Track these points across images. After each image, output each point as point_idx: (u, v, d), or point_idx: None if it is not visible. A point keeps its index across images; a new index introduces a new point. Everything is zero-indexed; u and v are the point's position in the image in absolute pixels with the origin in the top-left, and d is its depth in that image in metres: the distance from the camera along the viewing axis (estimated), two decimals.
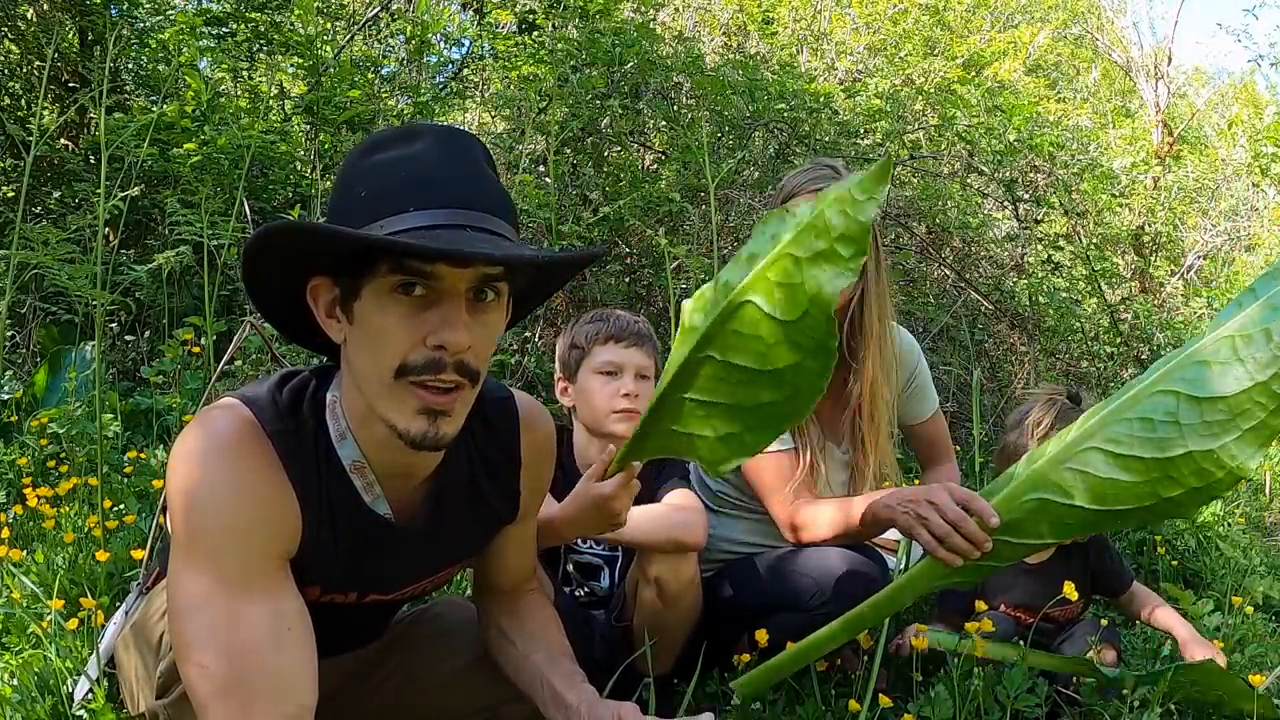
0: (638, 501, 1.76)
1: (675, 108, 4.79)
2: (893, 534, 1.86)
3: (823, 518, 1.76)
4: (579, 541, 1.91)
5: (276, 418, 1.05)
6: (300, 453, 1.06)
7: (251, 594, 0.98)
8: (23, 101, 4.23)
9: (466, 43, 5.04)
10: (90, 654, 1.61)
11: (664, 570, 1.68)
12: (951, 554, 1.38)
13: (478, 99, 5.39)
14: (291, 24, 4.17)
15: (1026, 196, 5.12)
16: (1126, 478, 1.22)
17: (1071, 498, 1.26)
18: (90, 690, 1.44)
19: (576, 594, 1.93)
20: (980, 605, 1.78)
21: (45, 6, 4.20)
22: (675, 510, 1.73)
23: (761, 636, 1.67)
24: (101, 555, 1.93)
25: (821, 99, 4.66)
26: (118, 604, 1.82)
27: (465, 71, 5.17)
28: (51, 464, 2.60)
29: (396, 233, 0.95)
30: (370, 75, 4.48)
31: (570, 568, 1.94)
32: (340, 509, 1.11)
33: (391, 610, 1.39)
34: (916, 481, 2.42)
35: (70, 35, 4.25)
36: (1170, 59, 8.78)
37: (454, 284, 0.99)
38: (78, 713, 1.46)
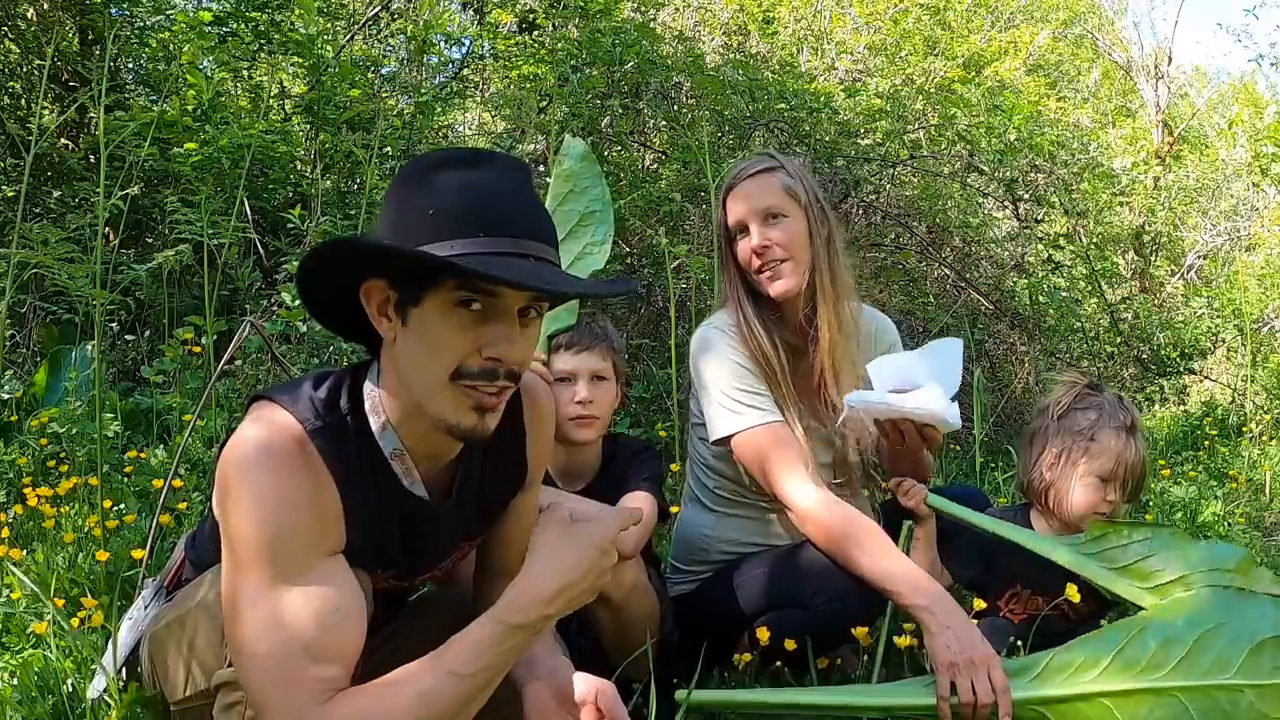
0: (609, 498, 1.78)
1: (675, 107, 4.80)
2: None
3: (874, 550, 1.67)
4: None
5: (316, 416, 1.14)
6: (342, 448, 1.15)
7: (297, 587, 1.07)
8: (23, 101, 4.23)
9: (467, 43, 5.04)
10: (95, 652, 1.62)
11: None
12: (948, 714, 1.48)
13: (478, 99, 5.39)
14: (292, 24, 4.17)
15: (1027, 196, 5.13)
16: None
17: None
18: (106, 687, 1.44)
19: None
20: (979, 604, 1.78)
21: (45, 6, 4.20)
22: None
23: (763, 634, 1.67)
24: (101, 555, 1.94)
25: (822, 99, 4.66)
26: (119, 603, 1.82)
27: (465, 71, 5.17)
28: (51, 464, 2.60)
29: (469, 255, 1.05)
30: (370, 75, 4.48)
31: None
32: (385, 494, 1.20)
33: (414, 590, 1.47)
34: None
35: (70, 35, 4.25)
36: (1170, 59, 8.78)
37: (509, 303, 1.11)
38: (94, 705, 1.46)
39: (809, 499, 1.74)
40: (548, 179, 2.37)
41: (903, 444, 1.78)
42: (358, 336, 1.25)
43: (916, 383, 1.76)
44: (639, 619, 1.74)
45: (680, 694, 1.59)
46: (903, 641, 1.66)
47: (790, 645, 1.67)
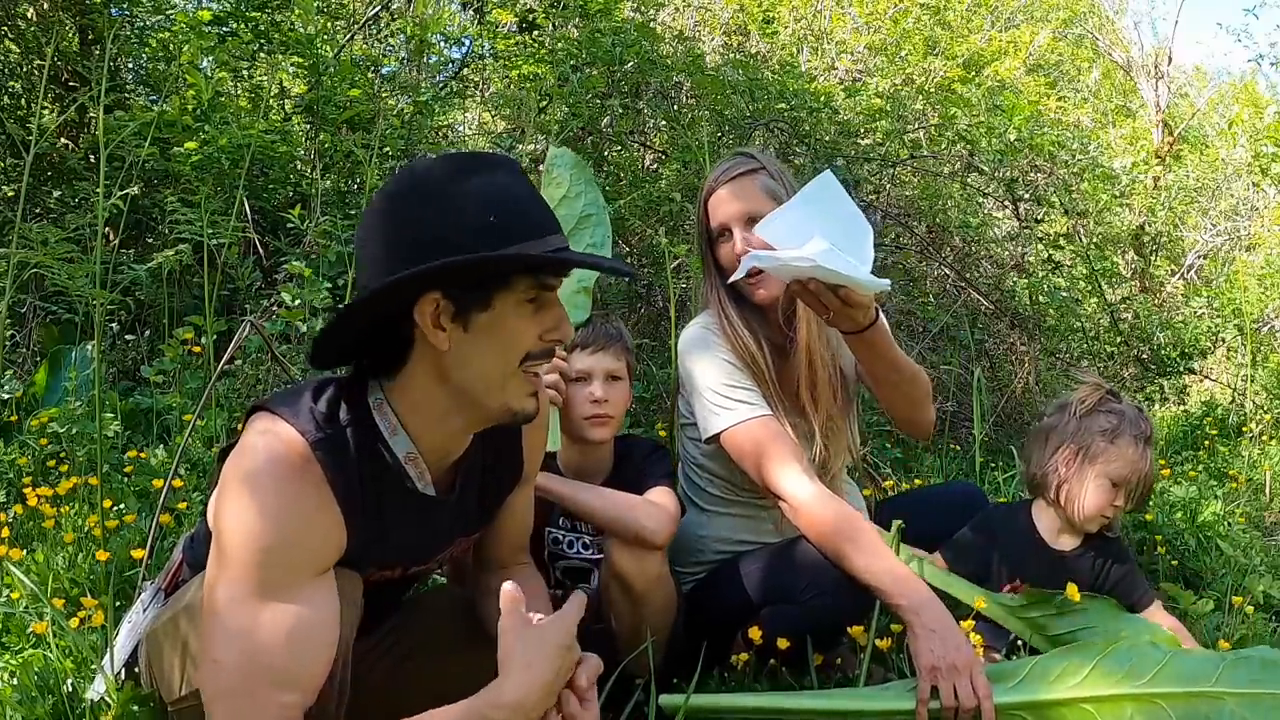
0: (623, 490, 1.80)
1: (675, 107, 4.79)
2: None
3: (867, 548, 1.66)
4: (567, 546, 1.95)
5: (318, 428, 1.16)
6: (343, 458, 1.17)
7: (277, 604, 1.09)
8: (23, 101, 4.22)
9: (466, 42, 5.04)
10: (95, 652, 1.62)
11: (628, 566, 1.70)
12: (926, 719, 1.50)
13: (478, 99, 5.39)
14: (291, 23, 4.16)
15: (1027, 196, 5.12)
16: None
17: None
18: (105, 688, 1.44)
19: None
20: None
21: (45, 6, 4.20)
22: (646, 503, 1.76)
23: (754, 633, 1.67)
24: (101, 555, 1.94)
25: (822, 98, 4.65)
26: (118, 603, 1.82)
27: (465, 71, 5.17)
28: (51, 464, 2.60)
29: (548, 254, 1.15)
30: (370, 75, 4.48)
31: (559, 574, 1.96)
32: (389, 496, 1.23)
33: (411, 584, 1.49)
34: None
35: (70, 35, 4.25)
36: (1170, 59, 8.78)
37: (558, 293, 1.23)
38: (94, 705, 1.46)
39: (804, 493, 1.74)
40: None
41: (827, 313, 1.61)
42: (351, 360, 1.27)
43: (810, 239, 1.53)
44: (657, 610, 1.76)
45: (664, 699, 1.59)
46: (883, 644, 1.66)
47: (783, 644, 1.67)
